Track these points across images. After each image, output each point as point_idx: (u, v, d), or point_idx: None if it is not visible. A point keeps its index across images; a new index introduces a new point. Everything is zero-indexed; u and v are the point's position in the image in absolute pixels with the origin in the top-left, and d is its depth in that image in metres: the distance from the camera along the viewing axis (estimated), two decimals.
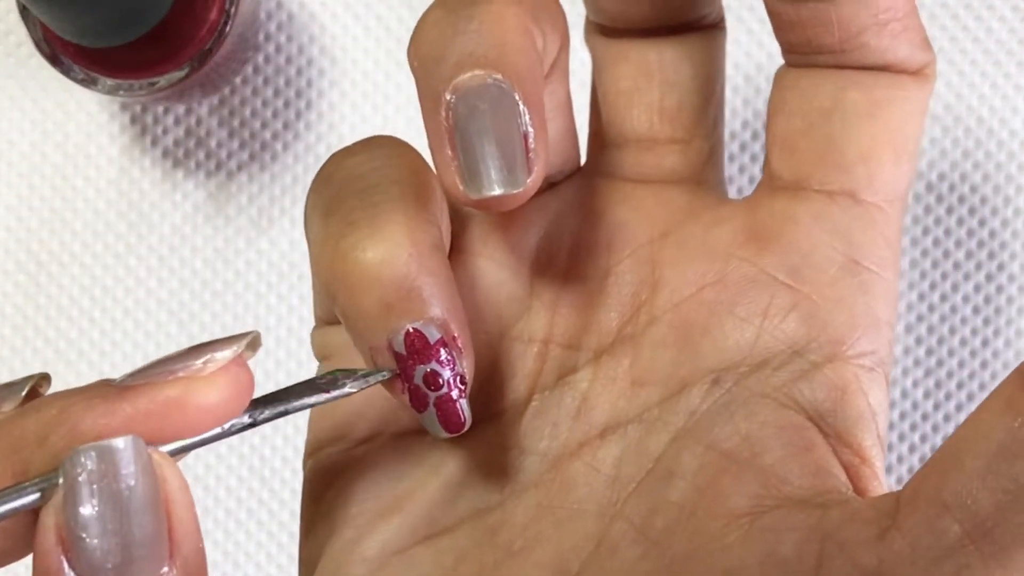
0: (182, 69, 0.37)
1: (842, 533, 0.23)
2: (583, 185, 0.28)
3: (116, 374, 0.44)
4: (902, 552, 0.22)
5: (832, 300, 0.26)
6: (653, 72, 0.28)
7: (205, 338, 0.42)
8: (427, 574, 0.26)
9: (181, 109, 0.42)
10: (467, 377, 0.25)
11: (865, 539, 0.22)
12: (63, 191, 0.42)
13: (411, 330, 0.24)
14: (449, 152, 0.24)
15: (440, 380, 0.24)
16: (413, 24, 0.43)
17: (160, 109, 0.42)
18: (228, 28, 0.37)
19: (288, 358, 0.42)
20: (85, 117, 0.42)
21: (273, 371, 0.42)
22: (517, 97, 0.23)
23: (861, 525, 0.23)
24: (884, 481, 0.26)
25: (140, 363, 0.42)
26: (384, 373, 0.24)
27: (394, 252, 0.23)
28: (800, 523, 0.24)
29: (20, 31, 0.42)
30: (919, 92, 0.26)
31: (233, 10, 0.37)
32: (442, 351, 0.24)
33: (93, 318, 0.42)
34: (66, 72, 0.37)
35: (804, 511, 0.24)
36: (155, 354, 0.42)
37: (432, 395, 0.24)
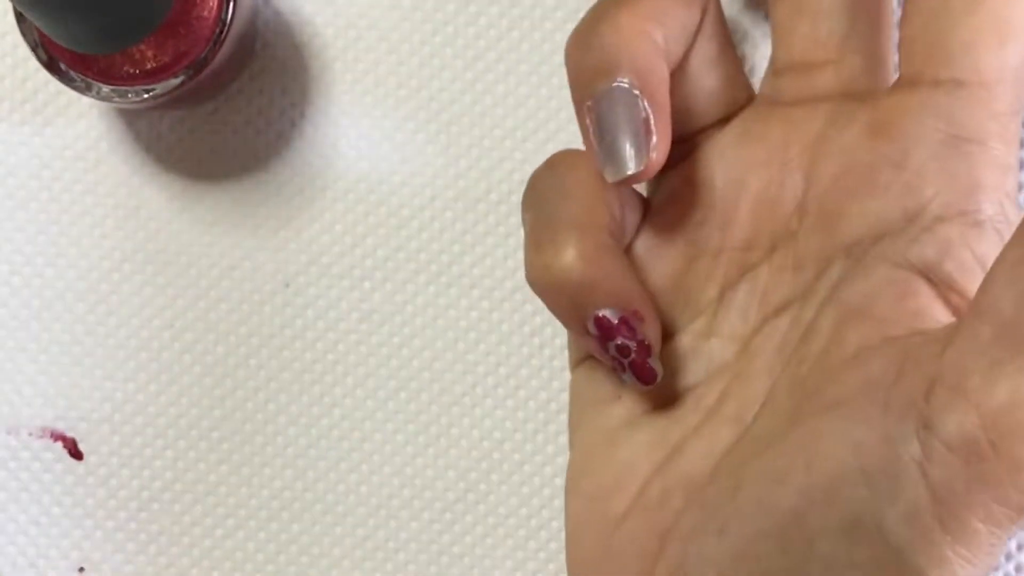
0: (178, 76, 0.37)
1: (918, 352, 0.29)
2: (749, 115, 0.35)
3: (109, 383, 0.44)
4: (951, 358, 0.27)
5: (934, 172, 0.31)
6: (804, 5, 0.34)
7: (199, 348, 0.42)
8: (654, 431, 0.34)
9: (177, 116, 0.42)
10: (650, 341, 0.32)
11: (934, 354, 0.28)
12: (59, 197, 0.42)
13: (598, 315, 0.31)
14: (594, 147, 0.31)
15: (629, 349, 0.32)
16: (407, 30, 0.43)
17: (156, 116, 0.42)
18: (225, 36, 0.37)
19: (292, 359, 0.42)
20: (83, 124, 0.42)
21: (276, 372, 0.42)
22: (637, 92, 0.30)
23: (933, 344, 0.28)
24: None
25: (135, 371, 0.42)
26: None
27: (571, 263, 0.31)
28: (889, 351, 0.29)
29: (16, 35, 0.42)
30: None
31: (230, 18, 0.37)
32: (624, 327, 0.31)
33: (87, 324, 0.42)
34: (63, 78, 0.37)
35: (897, 343, 0.30)
36: (151, 367, 0.42)
37: (626, 361, 0.32)
